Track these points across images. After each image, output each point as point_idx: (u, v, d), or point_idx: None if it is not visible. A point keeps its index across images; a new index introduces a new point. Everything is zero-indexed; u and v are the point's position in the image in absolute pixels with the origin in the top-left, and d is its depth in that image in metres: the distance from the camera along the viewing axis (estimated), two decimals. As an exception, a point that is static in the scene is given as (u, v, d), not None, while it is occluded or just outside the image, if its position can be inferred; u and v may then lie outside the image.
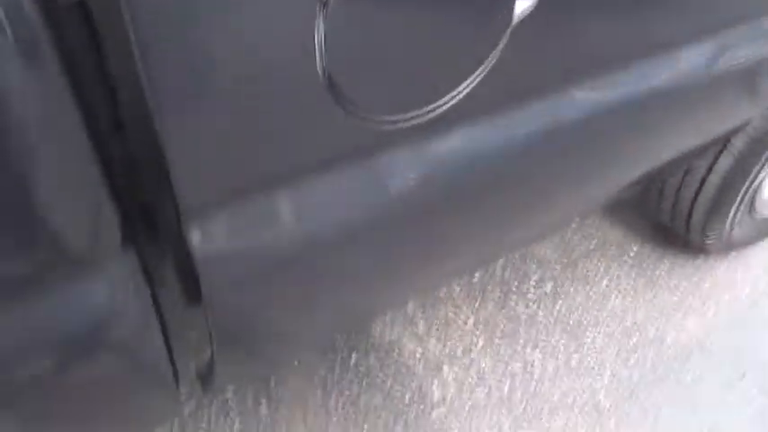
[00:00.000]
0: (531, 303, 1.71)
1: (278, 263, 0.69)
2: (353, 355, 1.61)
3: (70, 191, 0.55)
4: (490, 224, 0.94)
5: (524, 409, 1.47)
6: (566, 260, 1.83)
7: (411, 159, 0.75)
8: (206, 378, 0.82)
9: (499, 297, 1.73)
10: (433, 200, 0.79)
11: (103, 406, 0.71)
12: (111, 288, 0.61)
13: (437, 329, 1.65)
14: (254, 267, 0.68)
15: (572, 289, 1.74)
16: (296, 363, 1.58)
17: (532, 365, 1.56)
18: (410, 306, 1.73)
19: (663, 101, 1.00)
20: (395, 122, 0.69)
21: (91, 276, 0.60)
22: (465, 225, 0.88)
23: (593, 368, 1.55)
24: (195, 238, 0.64)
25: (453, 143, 0.78)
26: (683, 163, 1.37)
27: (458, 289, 1.76)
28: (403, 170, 0.75)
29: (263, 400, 1.51)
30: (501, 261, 1.84)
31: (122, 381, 0.68)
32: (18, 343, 0.59)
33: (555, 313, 1.68)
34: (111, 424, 0.76)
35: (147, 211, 0.64)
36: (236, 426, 1.46)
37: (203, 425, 1.46)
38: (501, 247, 1.09)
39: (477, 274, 1.80)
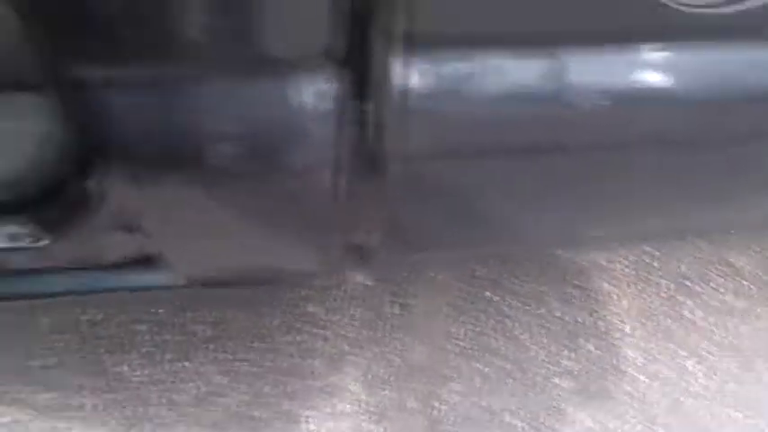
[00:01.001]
0: (703, 309, 1.48)
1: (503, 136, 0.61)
2: (496, 297, 1.52)
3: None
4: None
5: (665, 413, 1.29)
6: (766, 280, 1.55)
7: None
8: (365, 252, 0.78)
9: (667, 290, 1.52)
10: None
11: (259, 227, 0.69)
12: (299, 97, 0.58)
13: (587, 297, 1.50)
14: (465, 138, 0.60)
15: (764, 313, 1.48)
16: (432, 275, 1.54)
17: (687, 373, 1.36)
18: (563, 268, 1.59)
19: None
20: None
21: (284, 77, 0.58)
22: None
23: (755, 401, 1.31)
24: (398, 73, 0.57)
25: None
26: None
27: (621, 265, 1.58)
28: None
29: (390, 303, 1.50)
30: (683, 256, 1.61)
31: (278, 211, 0.65)
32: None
33: (730, 331, 1.44)
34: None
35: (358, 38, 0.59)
36: (358, 313, 1.46)
37: (328, 300, 1.49)
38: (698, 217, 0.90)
39: (652, 259, 1.60)
